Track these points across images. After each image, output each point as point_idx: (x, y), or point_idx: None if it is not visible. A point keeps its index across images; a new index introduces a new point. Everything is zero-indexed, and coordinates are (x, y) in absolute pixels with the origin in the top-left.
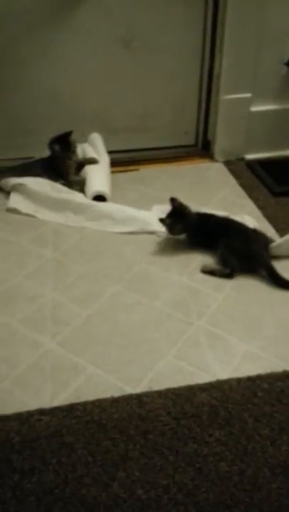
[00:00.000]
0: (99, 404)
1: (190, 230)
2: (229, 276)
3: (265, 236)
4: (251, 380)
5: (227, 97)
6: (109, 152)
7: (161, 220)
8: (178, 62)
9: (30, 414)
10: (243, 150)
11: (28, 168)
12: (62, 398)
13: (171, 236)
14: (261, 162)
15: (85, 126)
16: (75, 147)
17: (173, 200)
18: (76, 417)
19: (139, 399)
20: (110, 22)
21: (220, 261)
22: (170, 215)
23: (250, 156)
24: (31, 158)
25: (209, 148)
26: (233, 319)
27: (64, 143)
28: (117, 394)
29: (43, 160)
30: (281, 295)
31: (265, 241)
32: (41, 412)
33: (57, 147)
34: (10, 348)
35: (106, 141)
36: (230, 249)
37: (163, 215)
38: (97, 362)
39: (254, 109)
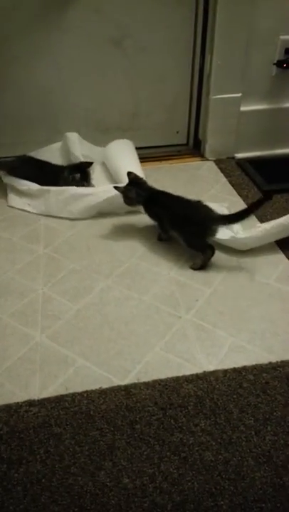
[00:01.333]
0: (87, 396)
1: (143, 201)
2: (211, 255)
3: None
4: (237, 371)
5: (217, 96)
6: None
7: (116, 188)
8: (169, 62)
9: (19, 405)
10: (234, 149)
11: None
12: (51, 390)
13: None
14: (251, 161)
15: (78, 124)
16: (91, 177)
17: (129, 174)
18: (64, 408)
19: (127, 390)
20: (100, 22)
21: (189, 248)
22: (126, 185)
23: (240, 155)
24: (24, 155)
25: (200, 147)
26: (221, 313)
27: (83, 172)
28: (105, 385)
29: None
30: (268, 289)
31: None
32: (30, 403)
33: (78, 177)
34: (1, 341)
35: (99, 140)
36: (192, 235)
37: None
38: (87, 354)
39: (244, 108)
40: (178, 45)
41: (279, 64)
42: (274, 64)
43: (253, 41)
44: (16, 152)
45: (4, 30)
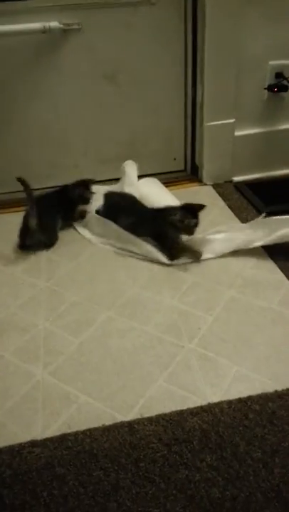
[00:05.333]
0: (90, 434)
1: None
2: None
3: None
4: (242, 401)
5: (211, 123)
6: (103, 181)
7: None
8: (162, 94)
9: (21, 446)
10: (231, 173)
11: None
12: (54, 428)
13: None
14: (249, 184)
15: (77, 157)
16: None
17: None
18: (67, 447)
19: (130, 426)
20: (94, 59)
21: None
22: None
23: (237, 178)
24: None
25: (197, 173)
26: (224, 340)
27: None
28: (108, 422)
29: (55, 193)
30: (271, 314)
31: None
32: (33, 443)
33: (78, 191)
34: (3, 380)
35: (98, 171)
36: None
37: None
38: (89, 390)
39: (238, 133)
40: (170, 77)
41: (270, 88)
42: (265, 88)
43: (243, 68)
44: (16, 188)
45: (2, 72)
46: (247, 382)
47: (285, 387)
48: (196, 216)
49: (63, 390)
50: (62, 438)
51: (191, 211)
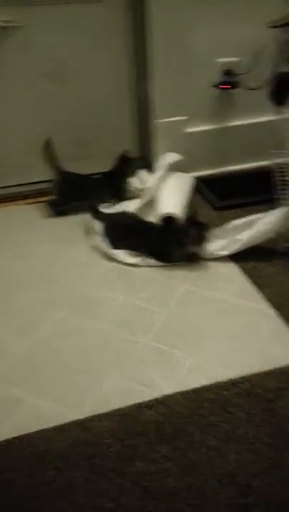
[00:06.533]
0: (42, 435)
1: None
2: None
3: None
4: (196, 392)
5: (163, 120)
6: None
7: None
8: (111, 92)
9: None
10: (184, 169)
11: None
12: (2, 433)
13: None
14: (203, 179)
15: (28, 159)
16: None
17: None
18: (17, 451)
19: (84, 424)
20: (36, 57)
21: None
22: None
23: (192, 174)
24: None
25: (152, 170)
26: (179, 333)
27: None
28: (60, 422)
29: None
30: (225, 306)
31: None
32: None
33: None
34: None
35: (47, 171)
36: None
37: None
38: (40, 392)
39: (191, 129)
40: (119, 75)
41: (219, 85)
42: (214, 86)
43: (193, 66)
44: None
45: None
46: (202, 372)
47: (238, 375)
48: (193, 223)
49: (12, 393)
50: (11, 442)
51: (190, 220)
